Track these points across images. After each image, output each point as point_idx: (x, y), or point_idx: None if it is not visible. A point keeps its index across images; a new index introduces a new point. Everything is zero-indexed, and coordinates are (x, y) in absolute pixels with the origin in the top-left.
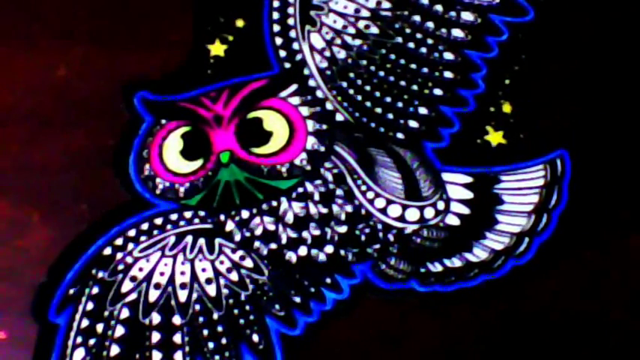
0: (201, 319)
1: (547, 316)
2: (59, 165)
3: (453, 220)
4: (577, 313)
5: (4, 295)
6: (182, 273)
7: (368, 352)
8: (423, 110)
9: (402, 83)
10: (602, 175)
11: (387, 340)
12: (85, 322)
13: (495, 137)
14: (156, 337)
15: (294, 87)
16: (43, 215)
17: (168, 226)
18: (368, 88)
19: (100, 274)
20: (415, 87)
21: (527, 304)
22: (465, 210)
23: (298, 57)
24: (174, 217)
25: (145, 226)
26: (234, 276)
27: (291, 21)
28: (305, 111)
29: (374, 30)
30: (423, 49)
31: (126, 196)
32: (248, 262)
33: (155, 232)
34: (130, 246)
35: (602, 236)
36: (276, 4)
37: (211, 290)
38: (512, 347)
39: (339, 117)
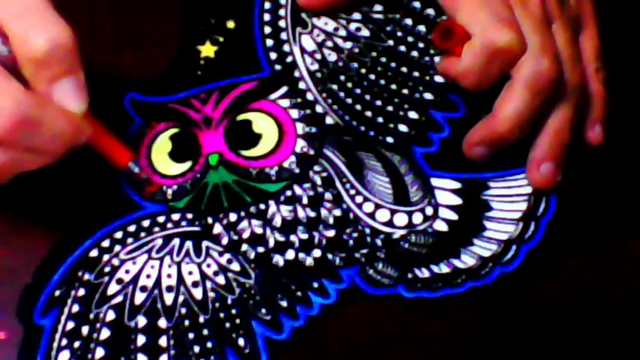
0: (187, 322)
1: (546, 317)
2: (60, 165)
3: (441, 226)
4: (577, 314)
5: (3, 295)
6: (169, 276)
7: (361, 354)
8: (413, 114)
9: (393, 87)
10: (594, 179)
11: (379, 342)
12: (70, 325)
13: None
14: (141, 340)
15: (284, 89)
16: (43, 215)
17: (156, 229)
18: (358, 91)
19: (87, 277)
20: (406, 91)
21: (526, 305)
22: (453, 216)
23: (289, 59)
24: (161, 219)
25: (131, 228)
26: (220, 279)
27: (282, 23)
28: (295, 114)
29: (365, 33)
30: (415, 53)
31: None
32: (235, 266)
33: (142, 234)
34: (117, 248)
35: (601, 238)
36: (267, 5)
37: (197, 293)
38: (512, 348)
39: (329, 120)
